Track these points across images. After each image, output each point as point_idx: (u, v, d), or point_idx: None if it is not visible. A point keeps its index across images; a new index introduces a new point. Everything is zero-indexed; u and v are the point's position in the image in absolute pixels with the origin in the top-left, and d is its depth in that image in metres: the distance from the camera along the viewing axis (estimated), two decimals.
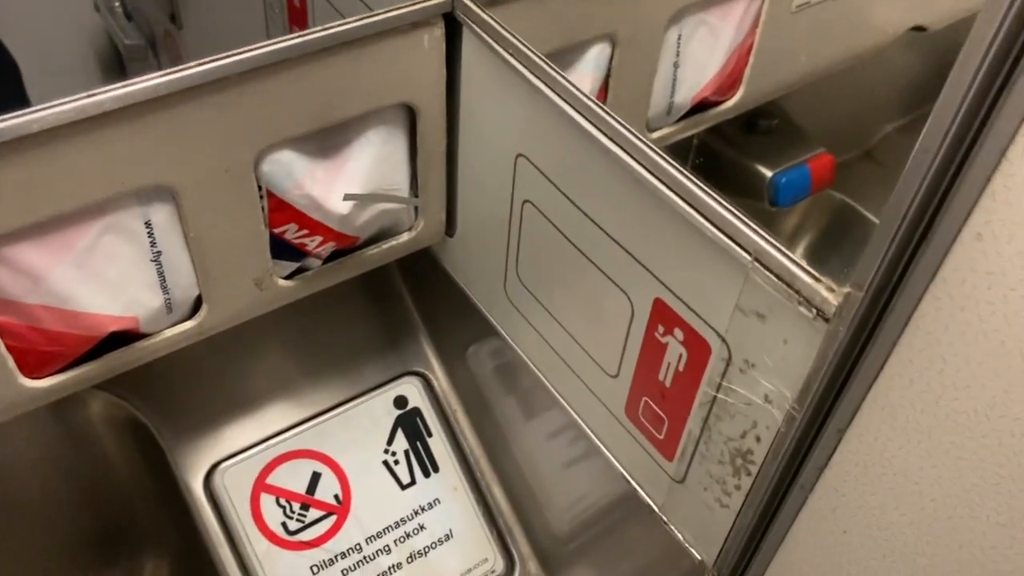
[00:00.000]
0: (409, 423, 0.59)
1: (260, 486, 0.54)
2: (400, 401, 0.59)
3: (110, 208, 0.37)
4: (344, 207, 0.44)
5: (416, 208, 0.49)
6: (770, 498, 0.35)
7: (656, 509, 0.43)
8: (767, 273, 0.30)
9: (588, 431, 0.47)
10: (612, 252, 0.38)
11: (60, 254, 0.37)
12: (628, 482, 0.45)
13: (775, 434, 0.33)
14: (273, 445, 0.56)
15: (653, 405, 0.40)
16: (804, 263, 0.29)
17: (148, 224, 0.39)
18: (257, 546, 0.54)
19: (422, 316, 0.61)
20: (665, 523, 0.43)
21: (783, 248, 0.30)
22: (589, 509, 0.55)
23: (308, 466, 0.56)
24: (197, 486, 0.54)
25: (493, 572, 0.59)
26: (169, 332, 0.44)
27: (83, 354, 0.42)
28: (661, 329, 0.37)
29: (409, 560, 0.57)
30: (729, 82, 0.55)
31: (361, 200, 0.44)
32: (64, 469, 0.57)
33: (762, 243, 0.30)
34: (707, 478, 0.38)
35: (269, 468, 0.55)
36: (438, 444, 0.59)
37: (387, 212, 0.47)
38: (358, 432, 0.58)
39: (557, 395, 0.48)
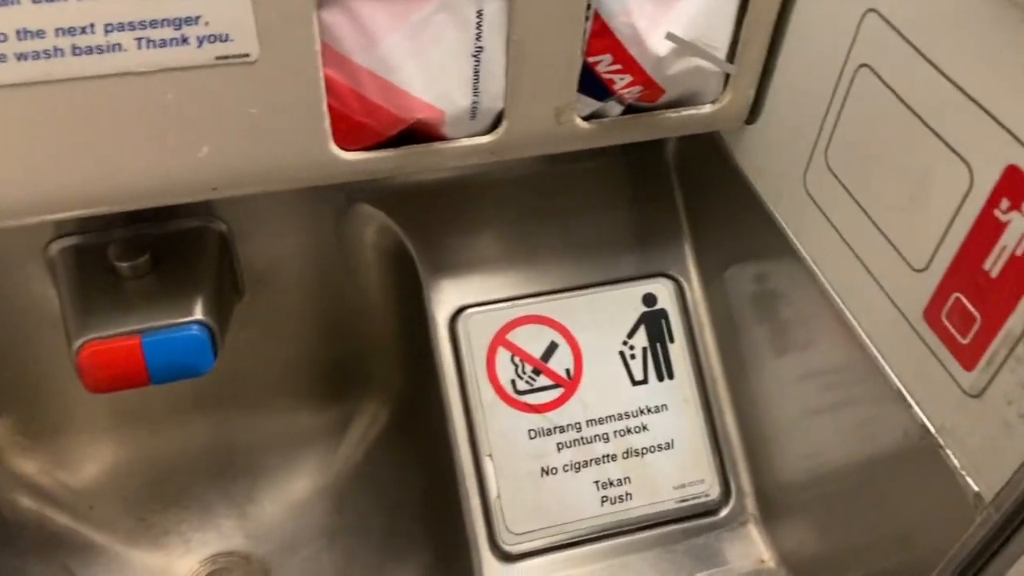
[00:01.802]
0: (654, 322, 0.57)
1: (499, 339, 0.55)
2: (649, 299, 0.57)
3: None
4: (663, 48, 0.42)
5: (727, 79, 0.47)
6: None
7: (932, 430, 0.38)
8: None
9: (865, 339, 0.42)
10: (964, 113, 0.34)
11: (397, 20, 0.38)
12: (904, 400, 0.40)
13: None
14: (519, 304, 0.56)
15: (965, 301, 0.35)
16: None
17: (479, 14, 0.40)
18: (484, 395, 0.54)
19: (690, 220, 0.59)
20: (940, 447, 0.38)
21: None
22: (827, 466, 0.50)
23: (548, 334, 0.55)
24: (443, 324, 0.55)
25: (707, 496, 0.56)
26: (466, 141, 0.44)
27: (388, 139, 0.43)
28: (1005, 204, 0.33)
29: (625, 456, 0.55)
30: None
31: (681, 46, 0.43)
32: (326, 286, 0.61)
33: None
34: (1016, 389, 0.33)
35: (511, 325, 0.55)
36: (678, 352, 0.57)
37: (698, 72, 0.45)
38: (602, 316, 0.56)
39: (834, 295, 0.44)
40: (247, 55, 0.37)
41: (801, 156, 0.45)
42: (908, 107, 0.37)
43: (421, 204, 0.56)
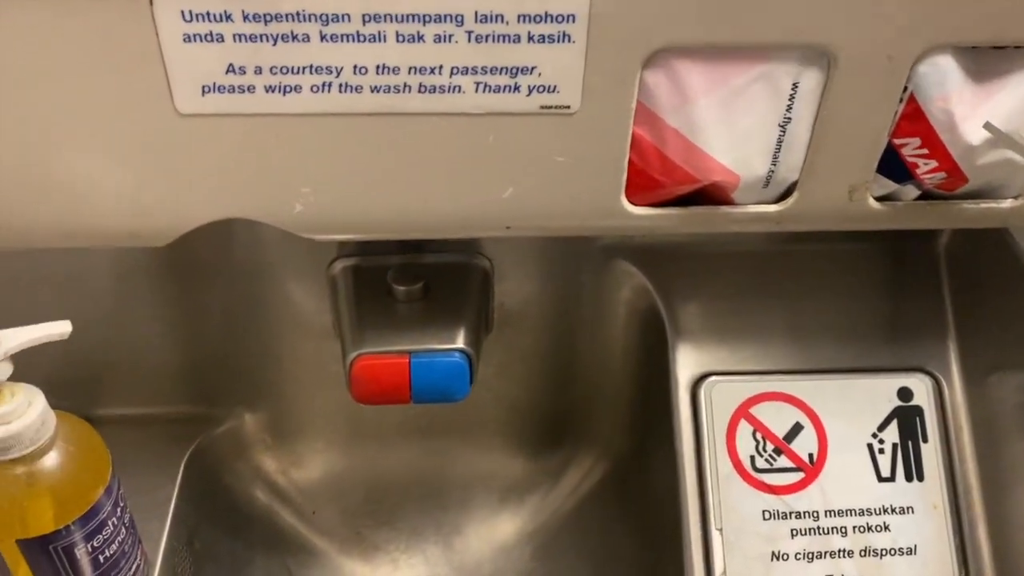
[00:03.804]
0: (907, 419, 0.54)
1: (742, 412, 0.54)
2: (905, 393, 0.55)
3: (773, 56, 0.39)
4: (976, 137, 0.41)
5: None
6: None
7: None
8: None
9: None
10: None
11: (714, 85, 0.39)
12: None
13: None
14: (767, 379, 0.55)
15: None
16: None
17: (795, 86, 0.40)
18: (721, 466, 0.53)
19: (956, 317, 0.56)
20: None
21: None
22: None
23: (794, 414, 0.54)
24: (684, 388, 0.55)
25: None
26: (753, 208, 0.44)
27: (676, 198, 0.44)
28: None
29: (862, 554, 0.52)
30: None
31: (997, 136, 0.41)
32: (568, 334, 0.62)
33: None
34: None
35: (756, 399, 0.54)
36: (931, 454, 0.54)
37: (1006, 165, 0.43)
38: (852, 405, 0.54)
39: None
40: (568, 107, 0.39)
41: None
42: None
43: (676, 265, 0.57)
